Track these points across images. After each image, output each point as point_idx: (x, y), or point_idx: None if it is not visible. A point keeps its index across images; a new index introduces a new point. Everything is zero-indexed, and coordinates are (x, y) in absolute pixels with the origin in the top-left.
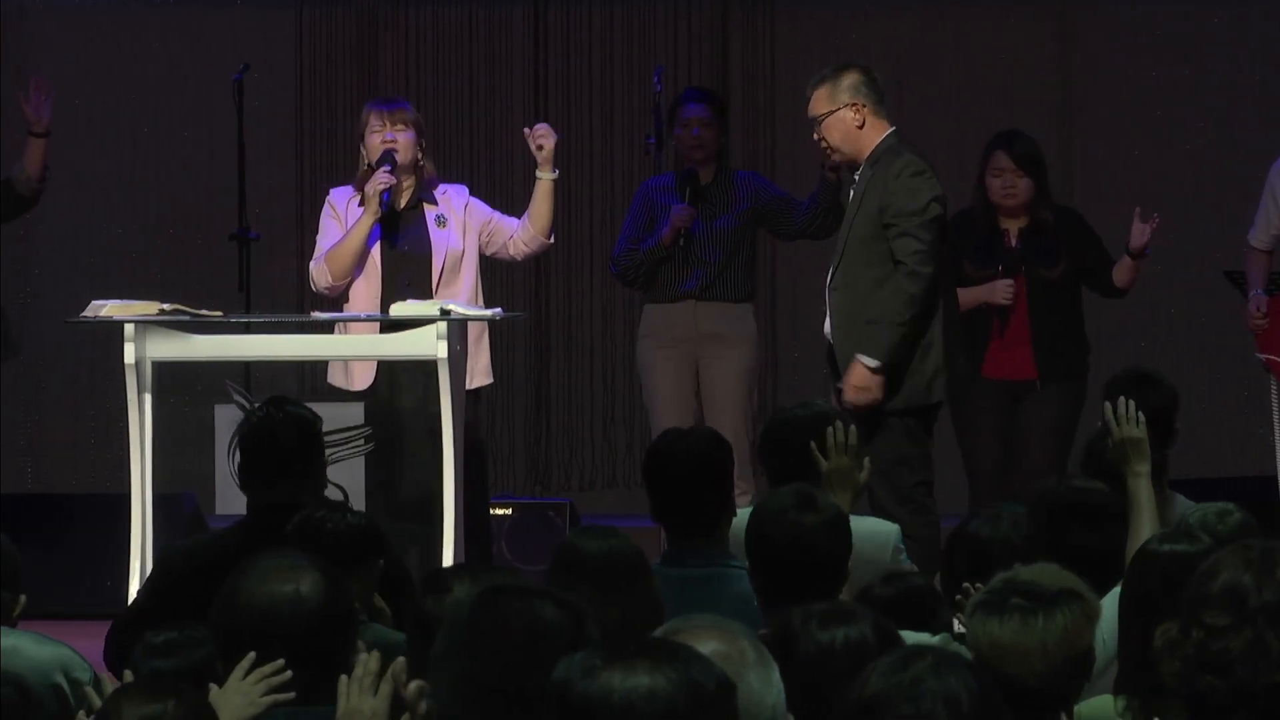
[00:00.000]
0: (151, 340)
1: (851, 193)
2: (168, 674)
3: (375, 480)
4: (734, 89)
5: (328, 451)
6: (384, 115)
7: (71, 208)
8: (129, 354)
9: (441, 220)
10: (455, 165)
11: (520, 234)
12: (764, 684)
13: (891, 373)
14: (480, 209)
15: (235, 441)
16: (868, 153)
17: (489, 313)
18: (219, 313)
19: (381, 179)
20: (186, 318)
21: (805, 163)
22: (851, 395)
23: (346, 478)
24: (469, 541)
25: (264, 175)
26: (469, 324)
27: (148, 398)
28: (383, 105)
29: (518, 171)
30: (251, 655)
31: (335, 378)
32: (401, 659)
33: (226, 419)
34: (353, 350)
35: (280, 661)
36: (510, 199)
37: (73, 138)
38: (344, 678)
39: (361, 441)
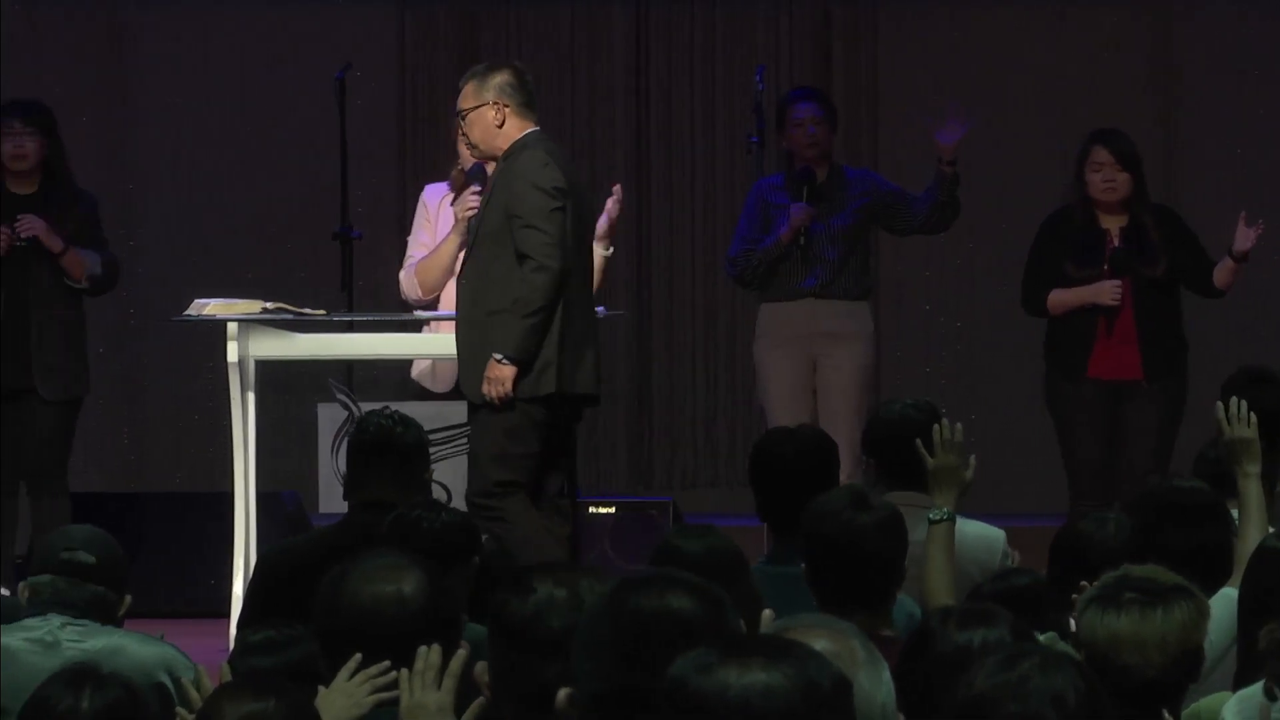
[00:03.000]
0: (254, 339)
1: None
2: (268, 672)
3: None
4: (835, 88)
5: (430, 450)
6: None
7: (175, 206)
8: (232, 352)
9: None
10: None
11: None
12: (874, 682)
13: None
14: None
15: (337, 443)
16: (504, 150)
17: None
18: (322, 311)
19: (471, 202)
20: (289, 316)
21: (907, 160)
22: (486, 389)
23: (450, 477)
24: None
25: (366, 174)
26: None
27: (250, 396)
28: None
29: (617, 172)
30: (358, 657)
31: (422, 377)
32: (463, 651)
33: (329, 418)
34: (453, 349)
35: (387, 663)
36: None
37: (175, 137)
38: (404, 671)
39: (464, 440)
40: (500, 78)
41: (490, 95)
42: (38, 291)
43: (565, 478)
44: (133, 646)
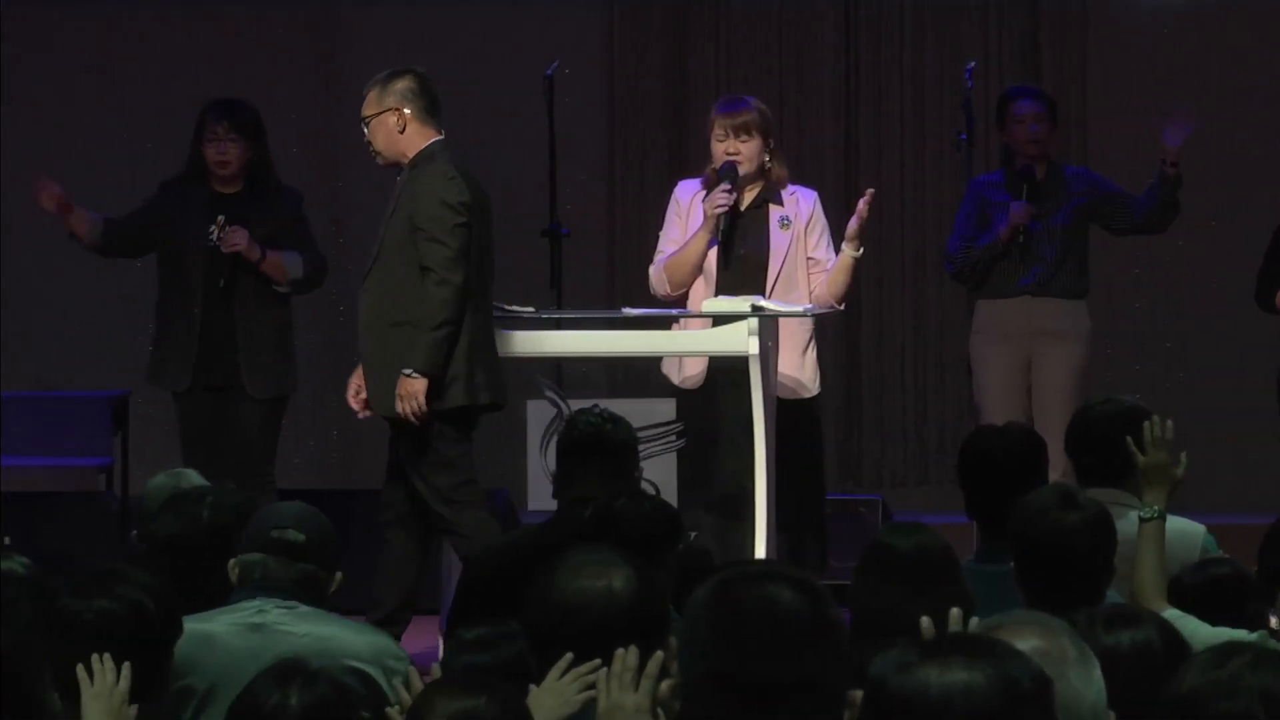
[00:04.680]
0: None
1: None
2: (479, 669)
3: (687, 476)
4: (1044, 83)
5: (640, 447)
6: (726, 121)
7: (383, 204)
8: None
9: (785, 222)
10: None
11: (818, 287)
12: (1084, 681)
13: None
14: (817, 229)
15: (546, 441)
16: (410, 156)
17: (800, 309)
18: (530, 308)
19: (720, 200)
20: (498, 314)
21: (1118, 158)
22: (399, 405)
23: (659, 474)
24: (809, 541)
25: (574, 171)
26: (798, 333)
27: None
28: (727, 108)
29: (827, 169)
30: (569, 656)
31: (669, 370)
32: (660, 653)
33: (537, 415)
34: (664, 346)
35: (597, 661)
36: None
37: None
38: (603, 672)
39: (673, 437)
40: (402, 84)
41: (391, 101)
42: (245, 291)
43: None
44: (344, 635)
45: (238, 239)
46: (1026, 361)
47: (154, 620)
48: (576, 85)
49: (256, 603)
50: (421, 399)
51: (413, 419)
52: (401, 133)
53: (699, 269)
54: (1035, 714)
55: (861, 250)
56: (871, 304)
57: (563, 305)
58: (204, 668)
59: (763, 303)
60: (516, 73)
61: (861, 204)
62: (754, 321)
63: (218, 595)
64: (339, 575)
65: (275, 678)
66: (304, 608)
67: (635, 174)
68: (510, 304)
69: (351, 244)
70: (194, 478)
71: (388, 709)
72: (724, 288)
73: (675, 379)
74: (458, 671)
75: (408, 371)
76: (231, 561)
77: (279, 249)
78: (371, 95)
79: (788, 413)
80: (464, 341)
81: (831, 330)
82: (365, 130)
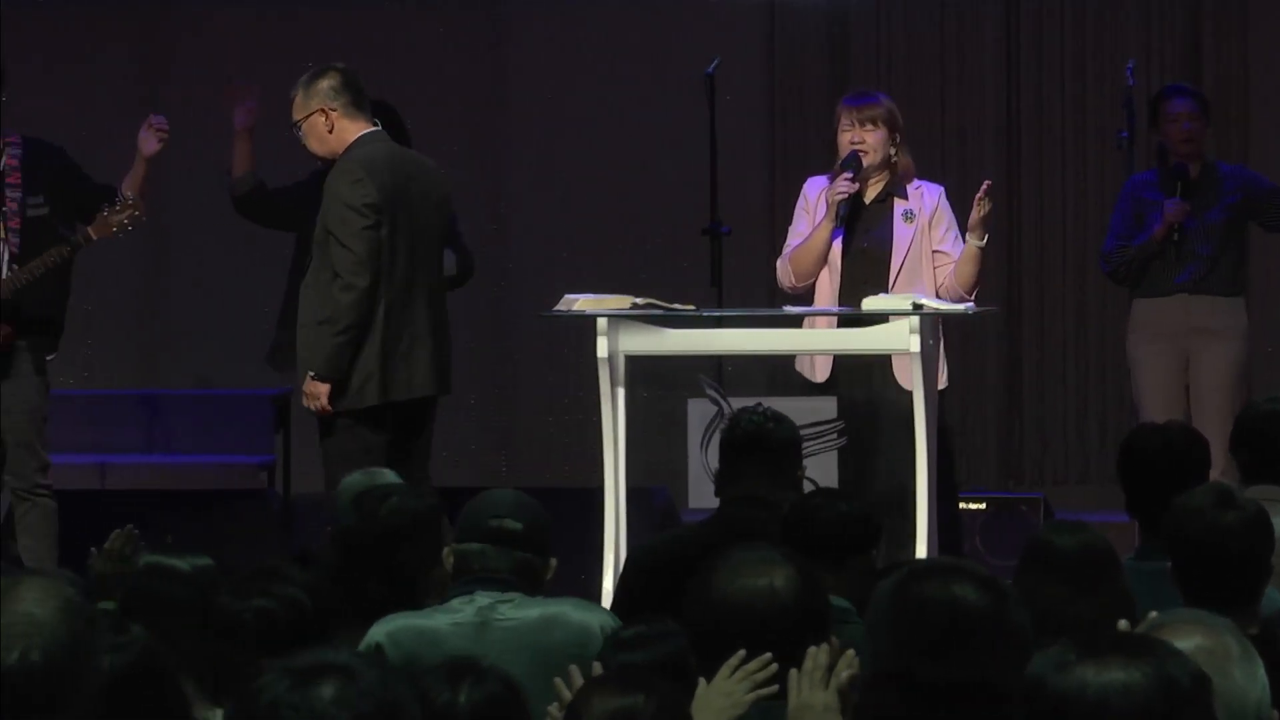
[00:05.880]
0: (624, 334)
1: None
2: (638, 668)
3: (848, 474)
4: (1205, 81)
5: (803, 446)
6: (853, 113)
7: (545, 202)
8: (602, 348)
9: (909, 216)
10: (926, 160)
11: (945, 279)
12: (1248, 679)
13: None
14: (943, 222)
15: (707, 439)
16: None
17: (961, 307)
18: (691, 306)
19: (842, 187)
20: (659, 312)
21: (1279, 157)
22: (306, 403)
23: (821, 472)
24: (939, 535)
25: (735, 169)
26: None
27: (620, 391)
28: (853, 101)
29: (989, 168)
30: (741, 654)
31: (802, 366)
32: (851, 652)
33: (699, 413)
34: (826, 345)
35: (768, 656)
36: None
37: (547, 133)
38: (794, 671)
39: (834, 435)
40: (324, 83)
41: (316, 103)
42: None
43: (419, 467)
44: (571, 612)
45: None
46: (1184, 360)
47: (312, 618)
48: (737, 83)
49: (475, 598)
50: (324, 400)
51: (320, 416)
52: (330, 132)
53: (823, 260)
54: (1194, 713)
55: (986, 239)
56: (1033, 303)
57: (724, 303)
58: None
59: (924, 300)
60: (677, 71)
61: (980, 195)
62: (915, 319)
63: (384, 596)
64: (553, 562)
65: (445, 675)
66: (521, 598)
67: (796, 171)
68: (671, 302)
69: (512, 241)
70: (389, 477)
71: (548, 709)
72: (848, 280)
73: (809, 374)
74: (617, 670)
75: (311, 373)
76: (446, 550)
77: None
78: (297, 99)
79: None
80: (376, 340)
81: (993, 329)
82: (299, 135)
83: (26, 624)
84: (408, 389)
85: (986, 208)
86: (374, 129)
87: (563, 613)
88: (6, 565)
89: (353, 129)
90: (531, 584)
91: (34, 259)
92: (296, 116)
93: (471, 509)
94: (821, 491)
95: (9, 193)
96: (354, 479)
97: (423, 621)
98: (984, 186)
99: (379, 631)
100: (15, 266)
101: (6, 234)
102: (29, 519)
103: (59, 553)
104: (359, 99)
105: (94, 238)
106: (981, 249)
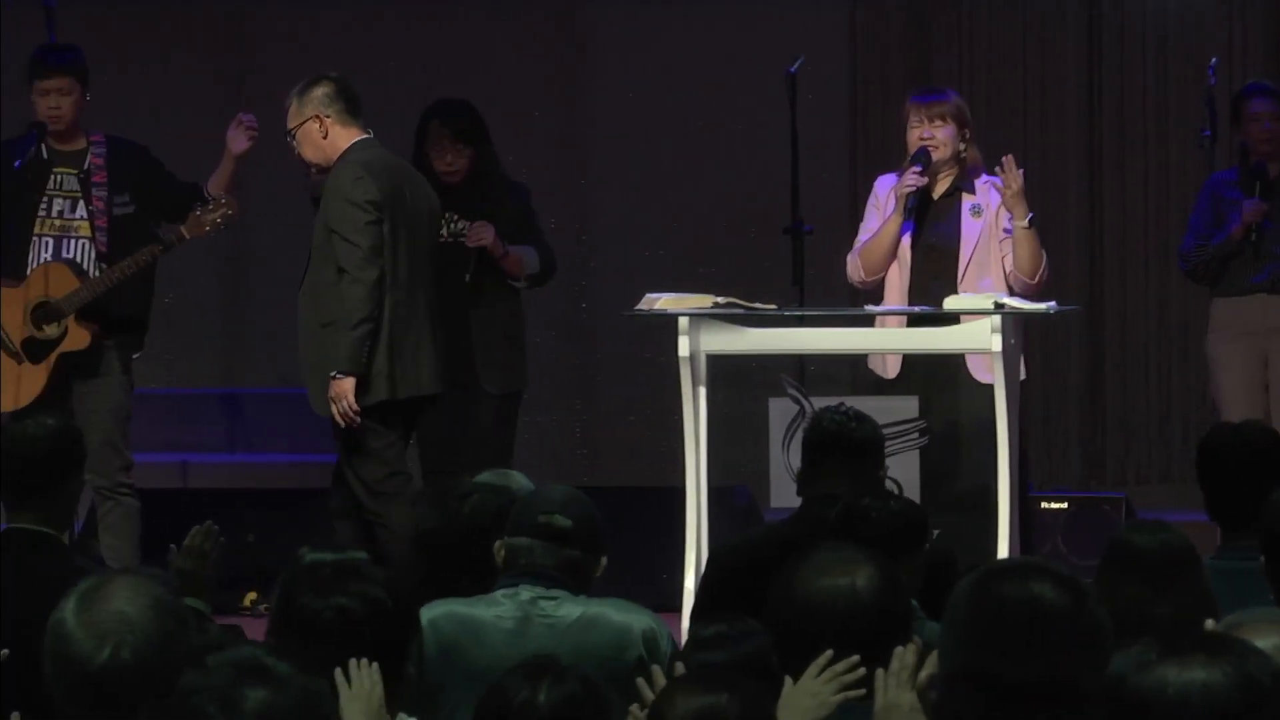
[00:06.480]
0: (706, 333)
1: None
2: (720, 667)
3: (930, 473)
4: None
5: (885, 445)
6: (922, 109)
7: (627, 201)
8: (683, 347)
9: (976, 210)
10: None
11: (1009, 269)
12: None
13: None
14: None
15: (788, 438)
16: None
17: (1043, 306)
18: (773, 306)
19: (910, 180)
20: (741, 311)
21: None
22: (331, 407)
23: (903, 472)
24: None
25: (817, 168)
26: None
27: (702, 390)
28: (921, 98)
29: (1070, 168)
30: (828, 654)
31: (873, 363)
32: (935, 652)
33: (780, 412)
34: (909, 344)
35: (855, 658)
36: (1061, 193)
37: (628, 131)
38: (880, 671)
39: (916, 435)
40: (318, 91)
41: (310, 110)
42: (476, 286)
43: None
44: (613, 613)
45: (484, 234)
46: (1264, 359)
47: (393, 617)
48: (819, 82)
49: (519, 591)
50: (350, 398)
51: (343, 420)
52: (325, 139)
53: (892, 254)
54: (1275, 711)
55: (1030, 217)
56: (1115, 302)
57: (805, 303)
58: (470, 658)
59: (1006, 300)
60: (759, 70)
61: (1005, 170)
62: (997, 319)
63: (476, 593)
64: (604, 560)
65: (525, 674)
66: (565, 595)
67: (878, 171)
68: (753, 302)
69: (595, 242)
70: (520, 479)
71: (630, 708)
72: (917, 274)
73: (880, 371)
74: (699, 669)
75: (334, 374)
76: (498, 544)
77: (511, 244)
78: (291, 109)
79: (990, 399)
80: (383, 337)
81: (1075, 329)
82: (293, 144)
83: (117, 622)
84: (416, 386)
85: (1016, 183)
86: (367, 136)
87: (604, 613)
88: (94, 564)
89: (346, 136)
90: (579, 581)
91: (122, 258)
92: (290, 124)
93: (523, 504)
94: (871, 491)
95: (95, 191)
96: (485, 478)
97: (466, 610)
98: (1003, 162)
99: (424, 615)
100: (104, 265)
101: (94, 233)
102: (112, 518)
103: (141, 552)
104: (352, 107)
105: (187, 237)
106: (1027, 228)
